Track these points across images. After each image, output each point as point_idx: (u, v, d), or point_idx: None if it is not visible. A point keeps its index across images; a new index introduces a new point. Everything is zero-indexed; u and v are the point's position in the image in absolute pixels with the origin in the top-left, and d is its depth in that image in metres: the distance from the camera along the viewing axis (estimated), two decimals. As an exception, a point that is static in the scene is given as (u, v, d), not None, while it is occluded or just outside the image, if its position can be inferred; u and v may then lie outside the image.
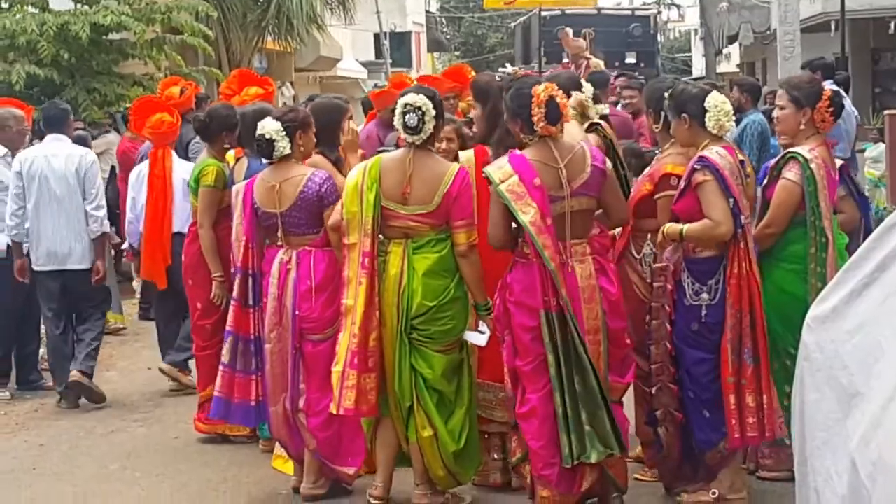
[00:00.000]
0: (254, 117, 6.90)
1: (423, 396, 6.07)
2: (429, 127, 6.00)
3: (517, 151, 5.91)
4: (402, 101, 6.07)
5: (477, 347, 6.19)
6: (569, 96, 6.56)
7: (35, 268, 9.11)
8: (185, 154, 11.02)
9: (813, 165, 6.18)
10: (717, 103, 5.98)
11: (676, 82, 6.46)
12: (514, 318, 5.83)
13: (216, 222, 7.67)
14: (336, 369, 6.03)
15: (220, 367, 6.73)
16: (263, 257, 6.56)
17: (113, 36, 15.40)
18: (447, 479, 6.22)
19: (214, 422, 7.66)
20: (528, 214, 5.68)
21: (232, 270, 6.78)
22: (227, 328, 6.70)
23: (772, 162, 6.61)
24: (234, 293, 6.64)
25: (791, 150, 6.31)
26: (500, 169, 5.83)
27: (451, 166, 6.12)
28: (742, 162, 6.14)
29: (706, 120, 5.98)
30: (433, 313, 6.00)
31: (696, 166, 5.92)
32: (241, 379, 6.65)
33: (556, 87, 5.92)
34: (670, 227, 5.97)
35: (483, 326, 6.09)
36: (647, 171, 6.52)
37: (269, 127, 6.43)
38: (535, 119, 5.79)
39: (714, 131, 5.98)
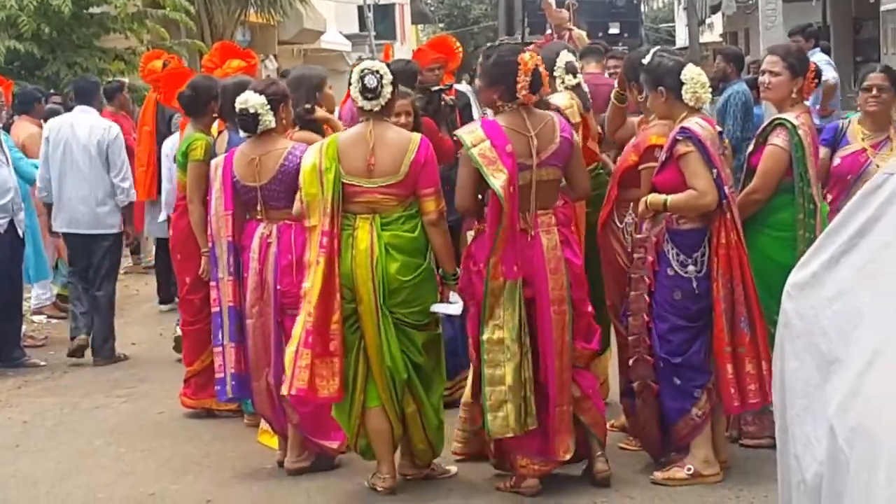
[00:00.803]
0: (234, 90, 6.86)
1: (409, 373, 6.05)
2: (387, 91, 5.94)
3: (488, 117, 5.93)
4: (359, 66, 6.07)
5: None
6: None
7: (55, 229, 9.69)
8: (167, 128, 11.03)
9: (801, 132, 6.21)
10: (694, 76, 5.98)
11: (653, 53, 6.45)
12: (477, 288, 5.83)
13: (204, 195, 7.63)
14: (290, 349, 5.97)
15: (230, 344, 6.60)
16: (243, 231, 6.53)
17: (94, 10, 15.32)
18: (426, 452, 6.23)
19: (201, 396, 7.68)
20: (498, 179, 5.67)
21: (210, 245, 6.71)
22: (229, 304, 6.57)
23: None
24: (230, 267, 6.52)
25: (779, 116, 6.33)
26: (471, 133, 5.83)
27: (413, 135, 6.09)
28: (721, 133, 6.16)
29: (683, 92, 5.97)
30: (408, 294, 5.96)
31: (678, 137, 5.92)
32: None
33: (540, 58, 5.94)
34: (654, 197, 5.97)
35: (454, 297, 6.08)
36: (632, 141, 6.52)
37: (252, 101, 6.38)
38: (519, 86, 5.78)
39: (691, 104, 5.99)
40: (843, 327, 3.64)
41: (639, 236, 6.10)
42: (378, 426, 6.10)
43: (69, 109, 13.03)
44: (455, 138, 6.07)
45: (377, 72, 5.95)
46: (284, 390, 6.00)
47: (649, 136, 6.30)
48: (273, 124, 6.41)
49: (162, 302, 11.63)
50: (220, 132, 7.69)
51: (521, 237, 5.78)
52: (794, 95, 6.41)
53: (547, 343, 5.84)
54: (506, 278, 5.72)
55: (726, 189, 5.91)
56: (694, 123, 5.93)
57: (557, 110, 6.33)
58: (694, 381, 5.98)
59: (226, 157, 6.63)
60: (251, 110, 6.37)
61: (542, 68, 5.88)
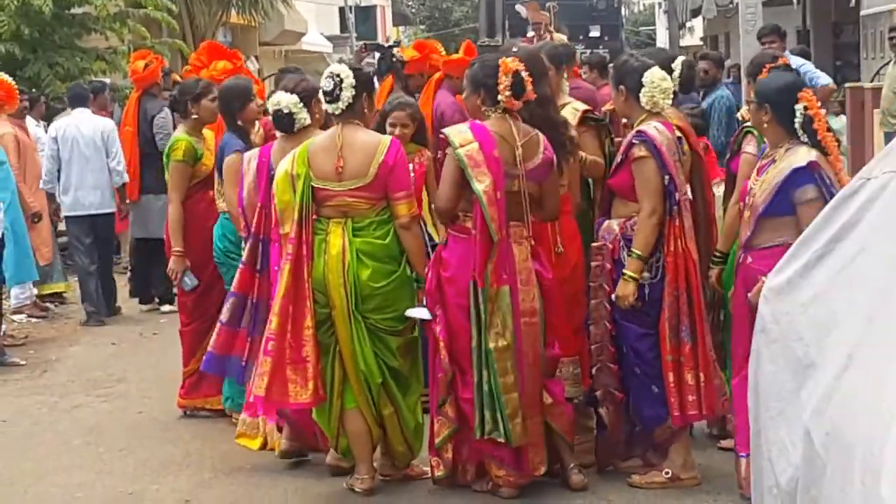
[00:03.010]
0: (232, 92, 7.19)
1: (385, 376, 6.04)
2: (346, 96, 5.93)
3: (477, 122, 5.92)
4: (328, 69, 6.09)
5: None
6: (558, 68, 6.63)
7: (64, 213, 11.30)
8: (149, 129, 11.04)
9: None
10: (655, 80, 5.97)
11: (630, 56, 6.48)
12: (446, 296, 5.82)
13: (187, 196, 7.68)
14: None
15: (220, 325, 6.69)
16: (272, 225, 6.54)
17: (76, 10, 15.27)
18: (405, 454, 6.25)
19: (194, 396, 7.70)
20: (482, 183, 5.66)
21: (244, 235, 6.75)
22: (232, 290, 6.65)
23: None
24: (245, 258, 6.59)
25: (746, 125, 6.37)
26: (460, 133, 5.82)
27: (384, 138, 6.07)
28: (679, 139, 6.11)
29: (641, 95, 5.98)
30: (381, 300, 5.95)
31: (633, 141, 5.93)
32: (241, 336, 6.62)
33: (522, 63, 5.90)
34: (630, 267, 5.86)
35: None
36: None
37: (285, 100, 6.44)
38: (500, 88, 5.77)
39: (647, 107, 5.98)
40: (819, 332, 3.67)
41: (595, 245, 6.07)
42: (356, 427, 6.10)
43: (48, 107, 13.39)
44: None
45: (337, 75, 5.95)
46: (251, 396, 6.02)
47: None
48: (308, 121, 6.46)
49: (141, 302, 11.63)
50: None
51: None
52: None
53: (519, 354, 5.81)
54: (498, 285, 5.72)
55: (678, 195, 5.89)
56: (651, 128, 5.92)
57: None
58: None
59: (262, 149, 6.68)
60: (285, 110, 6.42)
61: (525, 73, 5.86)
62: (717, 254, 6.21)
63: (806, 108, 5.43)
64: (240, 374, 6.74)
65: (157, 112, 11.21)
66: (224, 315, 6.67)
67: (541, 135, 5.95)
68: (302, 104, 6.42)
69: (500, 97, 5.81)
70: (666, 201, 5.88)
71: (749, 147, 6.28)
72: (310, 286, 5.91)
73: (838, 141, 5.62)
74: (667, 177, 5.86)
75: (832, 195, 5.08)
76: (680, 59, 6.54)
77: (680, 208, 5.91)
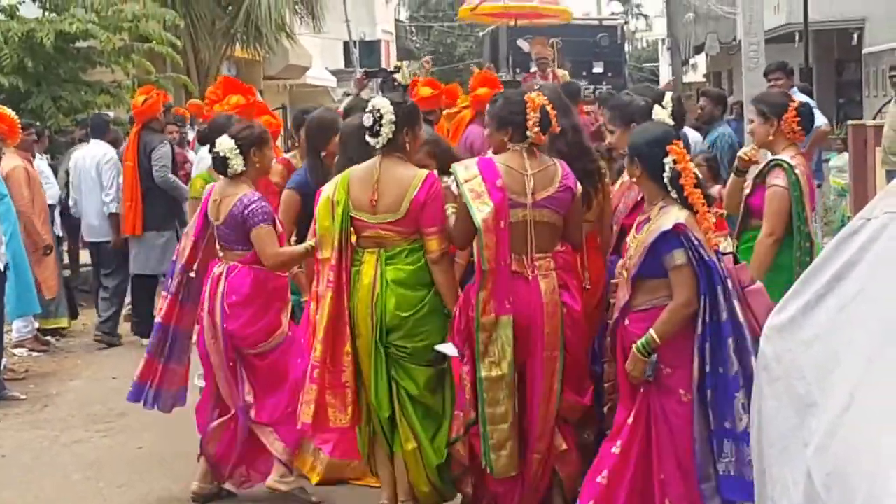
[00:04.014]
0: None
1: (407, 409, 5.98)
2: (386, 131, 5.93)
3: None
4: (370, 103, 6.09)
5: None
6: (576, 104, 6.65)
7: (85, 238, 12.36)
8: (148, 162, 11.08)
9: (798, 171, 6.25)
10: (664, 117, 5.99)
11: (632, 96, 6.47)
12: (471, 333, 5.73)
13: None
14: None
15: (146, 355, 6.95)
16: (205, 266, 6.68)
17: (80, 44, 15.33)
18: (432, 495, 6.10)
19: None
20: (482, 212, 5.61)
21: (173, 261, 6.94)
22: (158, 320, 6.87)
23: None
24: (172, 287, 6.78)
25: (775, 157, 6.37)
26: (466, 169, 5.80)
27: (419, 173, 6.02)
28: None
29: None
30: (410, 328, 5.91)
31: None
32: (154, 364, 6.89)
33: (546, 97, 5.88)
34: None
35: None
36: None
37: (223, 145, 6.50)
38: (530, 123, 5.73)
39: None
40: (820, 371, 3.66)
41: (614, 281, 5.95)
42: (383, 453, 6.15)
43: (51, 140, 13.63)
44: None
45: (378, 110, 5.95)
46: (300, 422, 6.06)
47: None
48: (241, 168, 6.50)
49: (141, 336, 11.62)
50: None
51: (519, 280, 5.69)
52: (771, 138, 6.45)
53: (536, 387, 5.74)
54: (497, 314, 5.65)
55: None
56: None
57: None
58: None
59: (210, 187, 6.76)
60: (221, 154, 6.48)
61: (550, 107, 5.83)
62: None
63: (675, 163, 5.20)
64: (149, 402, 6.96)
65: (156, 145, 11.26)
66: (154, 346, 6.88)
67: (560, 165, 5.86)
68: (237, 150, 6.48)
69: (528, 133, 5.78)
70: None
71: (778, 180, 6.27)
72: (349, 313, 5.95)
73: (708, 197, 5.34)
74: None
75: (700, 258, 5.08)
76: (668, 94, 6.55)
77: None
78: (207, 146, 8.52)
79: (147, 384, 6.92)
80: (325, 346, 5.92)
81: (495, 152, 5.98)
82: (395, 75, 11.09)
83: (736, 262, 5.43)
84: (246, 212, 6.38)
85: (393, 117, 5.94)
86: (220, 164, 6.51)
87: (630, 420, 5.34)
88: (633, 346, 5.28)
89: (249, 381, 6.51)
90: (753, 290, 5.35)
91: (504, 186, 5.68)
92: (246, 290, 6.42)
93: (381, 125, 5.93)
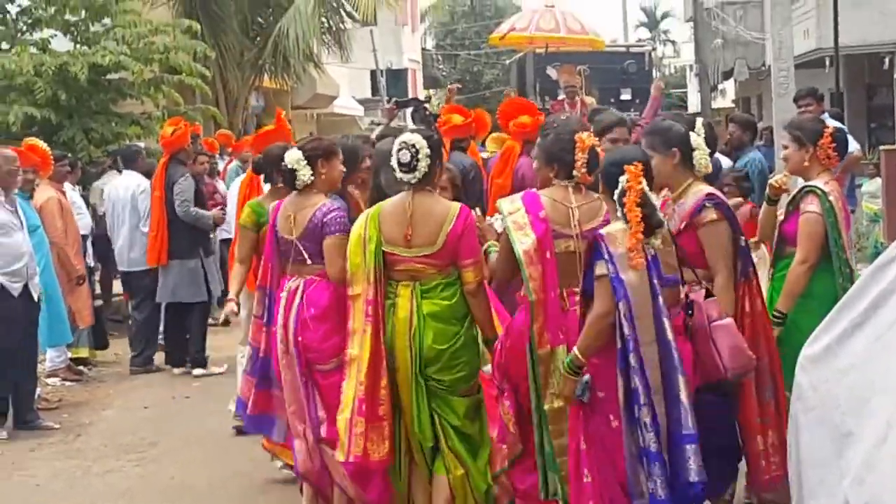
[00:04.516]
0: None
1: (451, 438, 6.04)
2: (422, 166, 5.96)
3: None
4: (399, 139, 6.09)
5: None
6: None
7: (119, 267, 12.41)
8: (171, 194, 11.17)
9: (831, 198, 6.22)
10: (700, 142, 5.96)
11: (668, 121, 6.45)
12: (510, 368, 5.73)
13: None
14: (343, 416, 6.02)
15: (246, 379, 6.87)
16: (278, 283, 6.60)
17: (111, 76, 15.45)
18: None
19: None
20: (523, 244, 5.60)
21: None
22: (251, 342, 6.82)
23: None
24: (255, 310, 6.75)
25: (807, 184, 6.34)
26: (511, 202, 5.79)
27: (453, 206, 6.06)
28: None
29: (694, 158, 5.91)
30: (447, 360, 5.96)
31: (705, 203, 5.75)
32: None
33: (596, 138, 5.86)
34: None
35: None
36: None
37: (291, 157, 6.51)
38: (578, 164, 5.72)
39: (702, 171, 5.93)
40: (857, 400, 3.65)
41: None
42: (422, 484, 6.15)
43: (84, 171, 13.80)
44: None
45: (413, 146, 5.97)
46: (341, 457, 6.03)
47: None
48: (309, 179, 6.49)
49: (173, 366, 11.67)
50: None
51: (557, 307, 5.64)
52: (806, 164, 6.42)
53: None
54: (552, 346, 5.59)
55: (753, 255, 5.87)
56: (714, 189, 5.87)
57: None
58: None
59: (276, 205, 6.74)
60: (289, 166, 6.49)
61: (599, 148, 5.81)
62: (777, 314, 6.18)
63: (628, 181, 5.19)
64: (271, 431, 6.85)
65: (178, 178, 11.32)
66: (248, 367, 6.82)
67: (603, 201, 5.73)
68: (306, 162, 6.48)
69: (575, 173, 5.76)
70: (739, 262, 5.81)
71: (812, 206, 6.22)
72: (385, 347, 5.98)
73: (653, 219, 5.22)
74: (741, 238, 5.81)
75: (616, 270, 5.06)
76: (699, 120, 6.53)
77: (754, 268, 5.84)
78: (262, 175, 8.66)
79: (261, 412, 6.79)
80: (368, 381, 5.95)
81: (541, 186, 5.95)
82: (426, 104, 11.13)
83: (708, 296, 5.45)
84: (326, 219, 6.35)
85: (428, 151, 5.98)
86: (288, 176, 6.53)
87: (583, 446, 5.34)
88: (561, 364, 5.33)
89: (320, 396, 6.45)
90: (720, 325, 5.38)
91: (547, 218, 5.66)
92: (325, 303, 6.35)
93: (417, 160, 5.95)
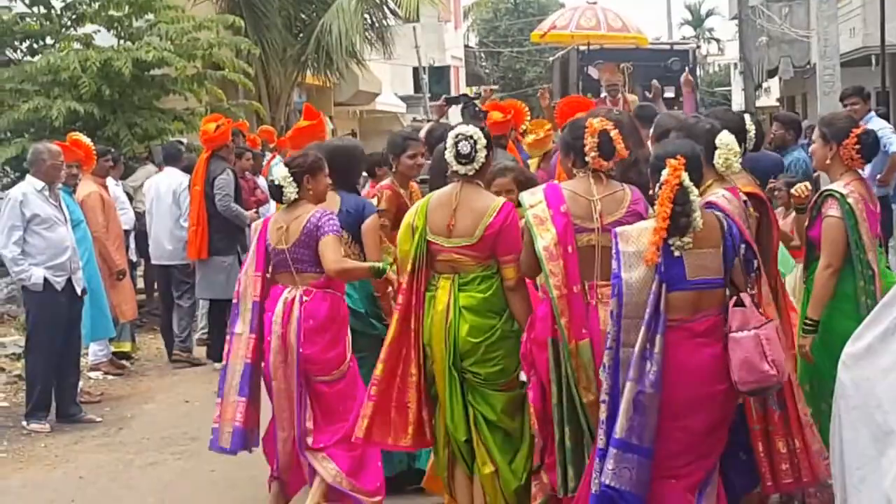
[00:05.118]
0: (337, 153, 7.11)
1: (484, 433, 6.03)
2: (480, 157, 6.02)
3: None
4: (453, 132, 6.11)
5: None
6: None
7: (152, 261, 12.56)
8: (211, 189, 11.21)
9: (850, 200, 6.16)
10: (729, 142, 5.83)
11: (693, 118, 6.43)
12: (536, 358, 5.73)
13: None
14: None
15: (240, 398, 6.70)
16: (268, 294, 6.64)
17: (154, 71, 15.53)
18: None
19: None
20: (544, 239, 5.60)
21: (234, 301, 6.77)
22: (246, 359, 6.67)
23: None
24: (254, 325, 6.66)
25: (826, 188, 6.29)
26: (533, 195, 5.79)
27: (496, 200, 6.08)
28: (746, 203, 5.89)
29: (715, 158, 5.81)
30: (482, 354, 5.97)
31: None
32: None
33: (612, 124, 5.79)
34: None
35: None
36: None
37: (278, 173, 6.59)
38: (586, 149, 5.69)
39: (721, 170, 5.82)
40: (900, 399, 3.62)
41: None
42: (462, 478, 6.17)
43: (127, 166, 14.02)
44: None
45: (471, 137, 6.02)
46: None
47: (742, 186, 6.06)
48: (295, 196, 6.55)
49: (214, 360, 11.71)
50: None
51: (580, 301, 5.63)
52: (828, 162, 6.35)
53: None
54: (577, 340, 5.57)
55: (755, 263, 5.66)
56: (721, 197, 5.72)
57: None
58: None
59: (264, 221, 6.79)
60: (276, 182, 6.57)
61: (613, 132, 5.74)
62: (809, 322, 6.14)
63: (667, 175, 5.20)
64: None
65: (219, 173, 11.37)
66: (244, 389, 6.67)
67: (630, 191, 5.78)
68: (291, 178, 6.52)
69: (587, 158, 5.73)
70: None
71: (832, 210, 6.18)
72: (420, 337, 6.03)
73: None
74: (743, 246, 5.73)
75: (618, 267, 5.17)
76: (747, 116, 6.48)
77: (759, 275, 5.73)
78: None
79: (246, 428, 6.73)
80: (387, 366, 6.02)
81: (567, 178, 5.97)
82: (475, 101, 11.26)
83: (739, 304, 5.34)
84: (319, 222, 6.43)
85: (485, 142, 6.03)
86: (275, 192, 6.62)
87: None
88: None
89: (313, 408, 6.51)
90: (737, 337, 5.25)
91: (568, 212, 5.64)
92: (323, 314, 6.45)
93: (476, 151, 6.01)
